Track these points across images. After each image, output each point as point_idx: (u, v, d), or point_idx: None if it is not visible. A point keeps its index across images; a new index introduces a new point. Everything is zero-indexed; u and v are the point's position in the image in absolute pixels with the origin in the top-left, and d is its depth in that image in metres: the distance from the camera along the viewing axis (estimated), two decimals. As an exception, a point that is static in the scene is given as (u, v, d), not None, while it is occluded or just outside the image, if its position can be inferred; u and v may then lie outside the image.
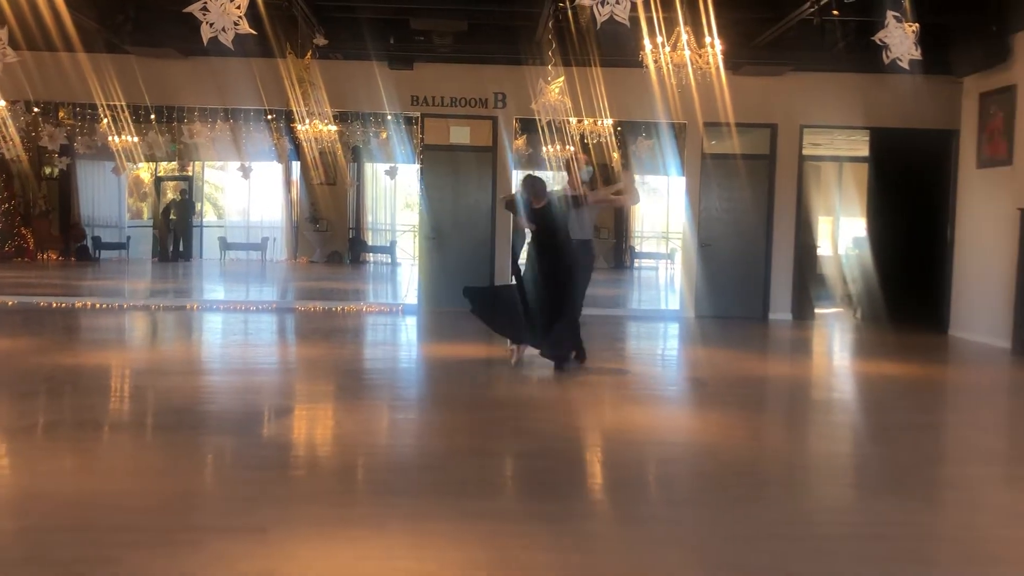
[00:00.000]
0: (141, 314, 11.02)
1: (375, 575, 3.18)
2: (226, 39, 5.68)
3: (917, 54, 6.74)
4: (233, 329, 10.12)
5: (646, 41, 7.63)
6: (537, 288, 7.46)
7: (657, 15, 7.38)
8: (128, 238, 21.19)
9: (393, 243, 21.91)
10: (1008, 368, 8.51)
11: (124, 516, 3.69)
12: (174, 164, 22.02)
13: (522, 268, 7.76)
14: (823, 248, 15.32)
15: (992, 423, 6.44)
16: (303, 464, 4.73)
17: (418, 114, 11.85)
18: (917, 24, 6.75)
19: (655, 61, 7.72)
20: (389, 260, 21.54)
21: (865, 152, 13.07)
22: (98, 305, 11.28)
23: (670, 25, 7.64)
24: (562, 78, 9.72)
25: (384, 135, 17.18)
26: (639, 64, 7.95)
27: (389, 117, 14.49)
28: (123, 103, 11.49)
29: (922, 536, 3.75)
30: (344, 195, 21.62)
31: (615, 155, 13.69)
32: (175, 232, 21.09)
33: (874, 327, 11.36)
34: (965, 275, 10.47)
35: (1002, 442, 5.87)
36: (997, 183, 9.76)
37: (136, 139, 15.16)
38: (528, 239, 7.99)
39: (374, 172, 21.99)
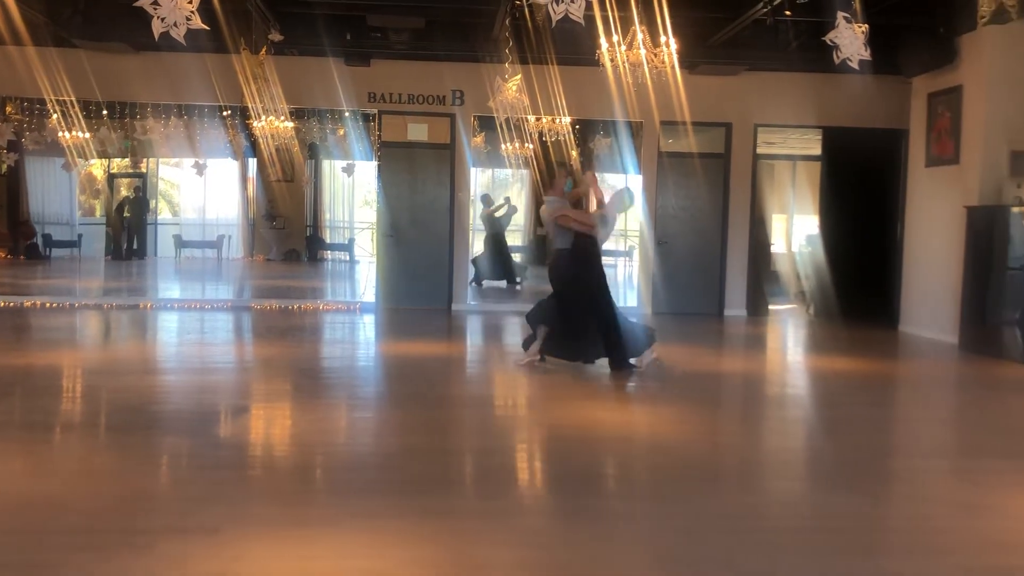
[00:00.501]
0: (94, 313, 10.83)
1: (328, 574, 3.18)
2: (178, 34, 5.59)
3: (867, 54, 6.86)
4: (188, 328, 9.99)
5: (602, 40, 7.67)
6: (592, 300, 7.30)
7: (613, 14, 7.42)
8: (80, 236, 20.76)
9: (351, 240, 21.76)
10: (955, 363, 8.71)
11: (73, 518, 3.63)
12: (127, 161, 21.64)
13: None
14: (777, 245, 15.52)
15: (940, 417, 6.59)
16: (258, 464, 4.69)
17: (375, 111, 11.79)
18: (867, 25, 6.87)
19: (611, 60, 7.76)
20: (347, 258, 21.40)
21: (818, 151, 13.27)
22: (49, 304, 11.06)
23: (626, 24, 7.69)
24: (519, 76, 9.72)
25: (341, 132, 17.06)
26: (596, 63, 8.00)
27: (346, 114, 14.39)
28: (73, 98, 11.27)
29: (870, 528, 3.83)
30: (301, 192, 21.43)
31: (574, 153, 13.74)
32: (129, 230, 20.73)
33: (826, 323, 11.56)
34: (914, 272, 10.69)
35: (949, 435, 6.01)
36: (945, 182, 9.97)
37: (87, 135, 14.87)
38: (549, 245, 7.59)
39: (332, 169, 21.81)
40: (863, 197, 11.85)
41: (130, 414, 5.54)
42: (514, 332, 10.32)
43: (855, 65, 6.83)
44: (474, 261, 14.12)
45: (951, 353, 9.11)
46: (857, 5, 6.97)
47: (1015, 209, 8.64)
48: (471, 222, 12.87)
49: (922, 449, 5.47)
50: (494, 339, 10.28)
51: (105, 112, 13.34)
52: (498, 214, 15.73)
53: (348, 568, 3.21)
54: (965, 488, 4.53)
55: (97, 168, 22.30)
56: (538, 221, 19.74)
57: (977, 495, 4.35)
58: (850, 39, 6.81)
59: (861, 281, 11.70)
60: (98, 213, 23.47)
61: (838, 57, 6.86)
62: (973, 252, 9.12)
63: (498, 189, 19.97)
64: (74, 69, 10.73)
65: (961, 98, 9.61)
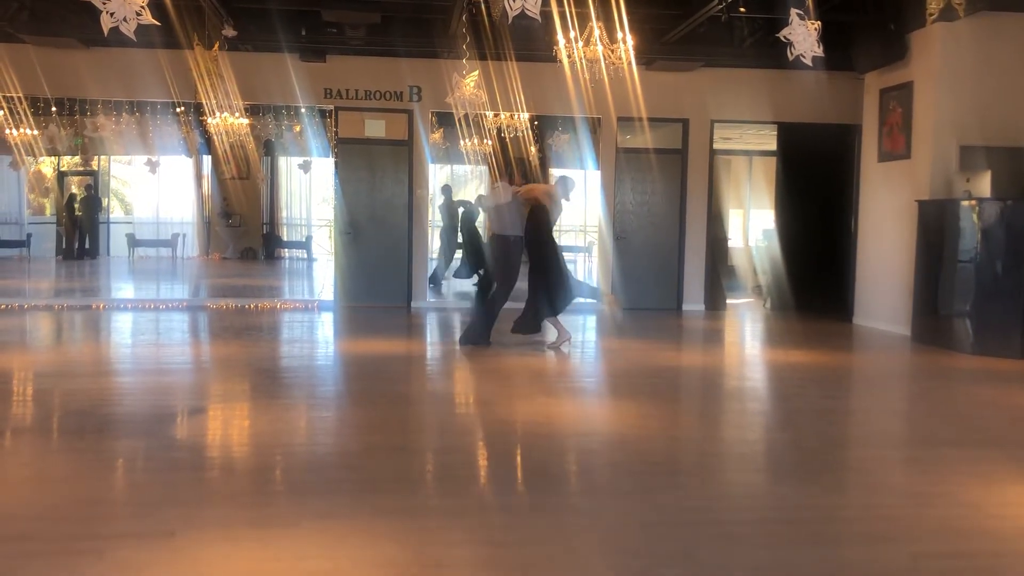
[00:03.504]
0: (44, 315, 10.61)
1: (285, 575, 3.15)
2: (128, 29, 5.48)
3: (820, 51, 6.96)
4: (143, 329, 9.83)
5: (559, 36, 7.68)
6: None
7: (570, 10, 7.43)
8: (29, 235, 20.33)
9: (309, 238, 21.59)
10: (908, 355, 8.86)
11: (22, 525, 3.55)
12: (78, 158, 21.25)
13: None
14: (734, 240, 15.71)
15: (892, 408, 6.71)
16: (215, 465, 4.62)
17: (332, 107, 11.70)
18: (819, 22, 6.97)
19: (568, 56, 7.78)
20: (305, 255, 21.22)
21: (773, 146, 13.43)
22: (-3, 305, 10.82)
23: (582, 20, 7.71)
24: (477, 72, 9.70)
25: (297, 128, 16.92)
26: (553, 59, 8.01)
27: (302, 110, 14.27)
28: (21, 94, 11.03)
29: (823, 518, 3.88)
30: (257, 189, 21.20)
31: (532, 150, 13.76)
32: (81, 229, 20.35)
33: (783, 316, 11.71)
34: (867, 265, 10.86)
35: (901, 425, 6.11)
36: (896, 176, 10.14)
37: (36, 132, 14.57)
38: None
39: (288, 166, 21.62)
40: (818, 192, 12.03)
41: (82, 417, 5.44)
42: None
43: (808, 61, 6.93)
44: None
45: (904, 345, 9.27)
46: (810, 2, 7.06)
47: (964, 203, 8.81)
48: (430, 218, 12.83)
49: (875, 439, 5.56)
50: (454, 336, 10.25)
51: (54, 109, 13.09)
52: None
53: (306, 569, 3.17)
54: (916, 477, 4.62)
55: (46, 166, 21.88)
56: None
57: (928, 483, 4.43)
58: (803, 36, 6.91)
59: (816, 275, 11.89)
60: (48, 212, 23.02)
61: (792, 54, 6.96)
62: (924, 245, 9.29)
63: (457, 185, 19.93)
64: (21, 64, 10.51)
65: (912, 94, 9.78)
